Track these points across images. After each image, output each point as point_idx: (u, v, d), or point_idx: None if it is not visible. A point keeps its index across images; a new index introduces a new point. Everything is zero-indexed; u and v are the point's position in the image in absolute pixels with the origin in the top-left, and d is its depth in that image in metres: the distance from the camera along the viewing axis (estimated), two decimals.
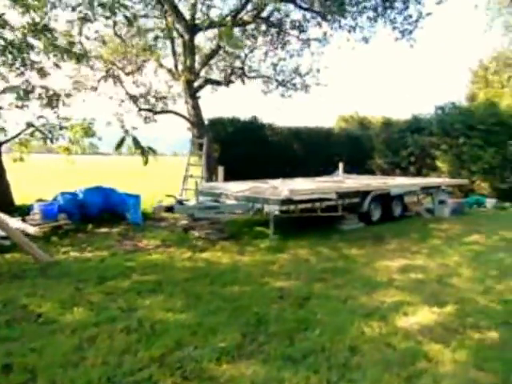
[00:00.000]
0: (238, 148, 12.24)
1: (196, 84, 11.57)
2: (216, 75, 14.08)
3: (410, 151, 14.12)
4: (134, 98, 11.00)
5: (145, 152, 4.11)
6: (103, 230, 8.04)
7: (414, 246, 6.91)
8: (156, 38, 9.42)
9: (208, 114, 13.02)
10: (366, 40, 11.94)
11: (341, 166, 12.56)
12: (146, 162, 3.86)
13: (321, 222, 8.42)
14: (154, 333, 3.51)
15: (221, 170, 9.66)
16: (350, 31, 11.37)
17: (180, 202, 7.36)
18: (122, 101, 11.00)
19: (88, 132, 8.72)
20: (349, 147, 15.99)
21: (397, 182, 9.99)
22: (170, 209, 6.98)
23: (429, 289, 4.79)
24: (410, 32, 10.42)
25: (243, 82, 13.79)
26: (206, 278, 5.04)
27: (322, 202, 7.64)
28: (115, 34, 11.22)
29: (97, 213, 8.73)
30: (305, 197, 7.14)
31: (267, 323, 3.78)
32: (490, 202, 11.83)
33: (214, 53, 10.98)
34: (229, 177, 11.66)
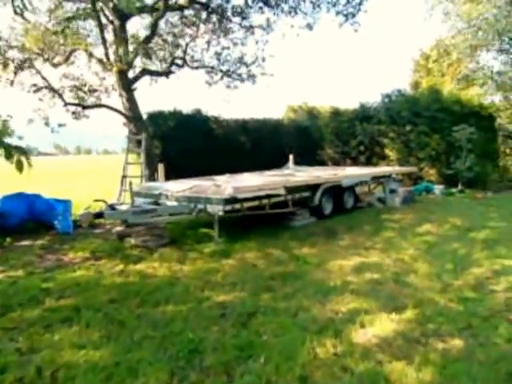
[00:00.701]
0: (182, 143, 11.43)
1: (131, 75, 10.59)
2: (156, 66, 13.11)
3: (359, 140, 14.00)
4: (57, 92, 9.81)
5: (11, 153, 3.29)
6: (24, 242, 7.00)
7: (367, 241, 6.55)
8: (69, 18, 8.28)
9: (148, 107, 12.09)
10: (310, 27, 11.51)
11: (291, 158, 12.14)
12: (19, 168, 3.06)
13: (270, 220, 7.89)
14: None
15: (161, 167, 8.85)
16: (292, 15, 10.84)
17: (111, 207, 6.51)
18: (44, 94, 9.77)
19: (3, 131, 7.53)
20: (298, 138, 15.66)
21: (348, 173, 9.68)
22: (99, 215, 6.12)
23: (386, 291, 4.38)
24: (354, 15, 10.07)
25: (184, 68, 12.93)
26: (136, 298, 4.31)
27: (270, 199, 7.09)
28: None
29: (18, 223, 7.65)
30: (251, 194, 6.56)
31: (203, 353, 3.15)
32: (438, 189, 11.92)
33: (146, 40, 10.03)
34: (172, 175, 10.85)
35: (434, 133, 12.24)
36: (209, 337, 3.41)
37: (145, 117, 11.10)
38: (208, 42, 13.96)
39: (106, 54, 9.87)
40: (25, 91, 9.63)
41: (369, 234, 7.05)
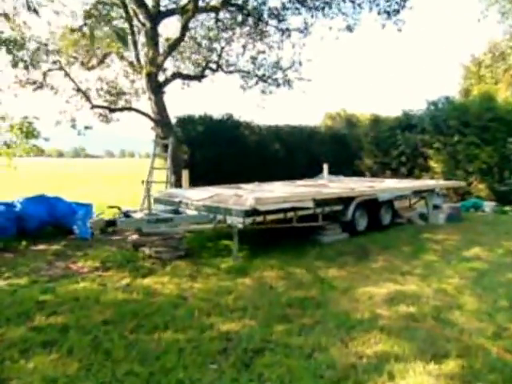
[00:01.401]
0: (211, 149, 11.06)
1: (162, 78, 10.38)
2: (189, 70, 12.91)
3: (400, 150, 13.04)
4: (84, 94, 9.73)
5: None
6: (40, 247, 6.81)
7: (404, 264, 5.76)
8: (105, 20, 8.13)
9: (179, 112, 11.85)
10: (349, 28, 10.84)
11: (325, 167, 11.43)
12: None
13: (297, 234, 7.27)
14: None
15: (185, 173, 8.48)
16: (331, 16, 10.23)
17: (126, 215, 6.16)
18: (70, 96, 9.72)
19: (29, 133, 7.46)
20: (335, 147, 14.90)
21: (386, 186, 8.86)
22: (111, 223, 5.77)
23: (423, 330, 3.64)
24: (397, 12, 9.27)
25: (219, 72, 12.64)
26: (133, 320, 3.84)
27: (296, 212, 6.48)
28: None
29: (38, 226, 7.51)
30: (274, 206, 5.97)
31: None
32: (489, 206, 10.77)
33: (176, 42, 9.76)
34: (200, 182, 10.50)
35: (485, 144, 11.11)
36: (202, 379, 2.86)
37: (174, 121, 10.84)
38: (244, 46, 13.63)
39: (137, 57, 9.71)
40: (54, 93, 9.61)
41: (406, 255, 6.25)
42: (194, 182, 10.78)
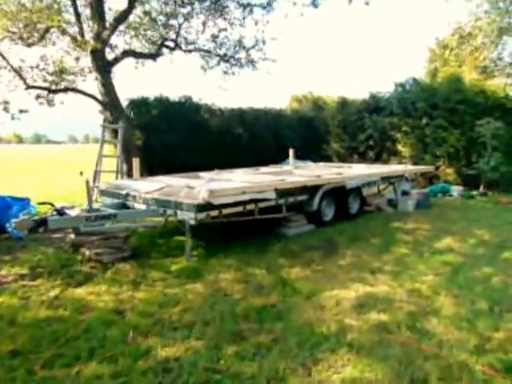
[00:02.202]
0: (169, 134, 10.20)
1: (111, 56, 9.36)
2: (144, 48, 11.84)
3: (368, 134, 12.64)
4: (18, 73, 8.57)
5: None
6: None
7: (374, 260, 5.27)
8: None
9: (134, 94, 10.84)
10: (315, 4, 10.16)
11: (291, 153, 10.82)
12: None
13: (260, 226, 6.67)
14: None
15: (136, 161, 7.65)
16: None
17: (59, 212, 5.33)
18: None
19: None
20: (302, 131, 14.35)
21: (353, 172, 8.38)
22: (42, 222, 4.93)
23: (398, 345, 3.12)
24: None
25: (177, 51, 11.70)
26: (50, 348, 3.12)
27: (257, 204, 5.84)
28: None
29: None
30: (231, 199, 5.31)
31: None
32: (457, 190, 10.58)
33: (123, 14, 8.76)
34: (157, 170, 9.69)
35: (453, 127, 10.84)
36: None
37: (126, 103, 9.89)
38: (203, 23, 12.69)
39: (81, 32, 8.65)
40: None
41: (376, 249, 5.77)
42: (151, 171, 9.96)
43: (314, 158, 13.73)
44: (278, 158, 12.85)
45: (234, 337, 3.31)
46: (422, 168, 9.87)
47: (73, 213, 5.41)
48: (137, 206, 6.10)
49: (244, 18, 12.31)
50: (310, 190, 6.79)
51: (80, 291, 4.30)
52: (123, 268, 5.03)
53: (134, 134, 9.65)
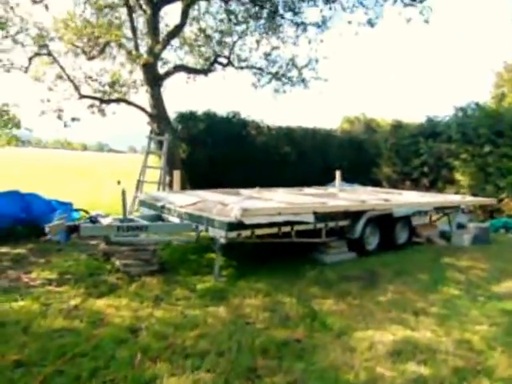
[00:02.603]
0: (214, 149, 10.18)
1: (163, 70, 9.58)
2: (198, 63, 12.07)
3: (423, 160, 11.86)
4: (73, 82, 8.97)
5: None
6: (2, 250, 6.06)
7: (419, 298, 4.71)
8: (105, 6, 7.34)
9: (183, 108, 11.01)
10: (370, 23, 9.82)
11: (338, 174, 10.37)
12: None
13: (296, 250, 6.31)
14: None
15: (177, 174, 7.62)
16: (351, 9, 9.22)
17: (92, 220, 5.34)
18: (55, 85, 8.96)
19: (8, 122, 6.74)
20: (352, 153, 13.84)
21: (403, 199, 7.79)
22: (74, 229, 4.95)
23: None
24: None
25: (229, 68, 11.82)
26: (56, 361, 2.97)
27: (293, 226, 5.50)
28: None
29: (8, 226, 6.77)
30: (265, 219, 5.02)
31: None
32: None
33: (176, 29, 8.94)
34: (200, 184, 9.65)
35: None
36: None
37: (174, 116, 10.03)
38: (257, 41, 12.76)
39: (136, 46, 8.93)
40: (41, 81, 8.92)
41: (423, 286, 5.18)
42: (194, 185, 9.96)
43: (363, 181, 13.14)
44: (325, 179, 12.42)
45: (247, 373, 2.98)
46: (482, 200, 8.99)
47: (105, 221, 5.40)
48: (171, 218, 5.99)
49: (297, 37, 12.26)
50: (353, 215, 6.33)
51: (100, 303, 4.18)
52: (149, 282, 4.88)
53: (180, 146, 9.73)
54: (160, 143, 8.72)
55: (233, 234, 4.88)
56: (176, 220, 5.86)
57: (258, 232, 5.13)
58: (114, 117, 10.94)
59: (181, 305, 4.26)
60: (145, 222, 5.48)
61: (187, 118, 10.30)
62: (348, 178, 13.09)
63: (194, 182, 9.74)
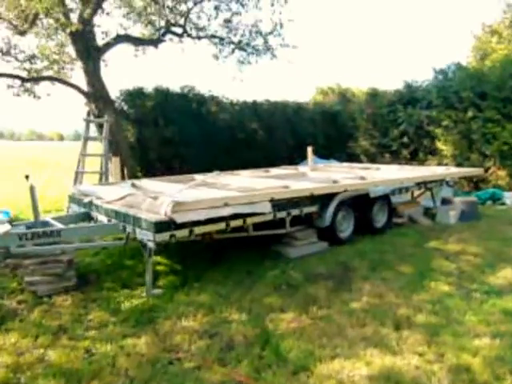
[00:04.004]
0: (167, 129, 8.97)
1: (102, 41, 8.25)
2: (149, 34, 10.66)
3: (402, 130, 10.90)
4: None
5: None
6: None
7: (401, 301, 3.77)
8: None
9: (132, 86, 9.70)
10: None
11: (310, 151, 9.34)
12: None
13: (258, 241, 5.31)
14: None
15: (115, 161, 6.45)
16: None
17: None
18: None
19: None
20: (326, 126, 12.81)
21: (381, 176, 6.83)
22: None
23: None
24: None
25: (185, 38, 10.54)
26: None
27: (245, 219, 4.45)
28: None
29: None
30: (205, 214, 3.95)
31: None
32: (510, 198, 8.71)
33: None
34: (152, 169, 8.52)
35: (507, 120, 8.97)
36: None
37: (117, 95, 8.76)
38: (216, 8, 11.39)
39: (66, 13, 7.54)
40: None
41: (406, 283, 4.24)
42: (146, 171, 8.80)
43: (339, 156, 12.19)
44: (298, 156, 11.44)
45: None
46: (468, 171, 8.09)
47: (2, 228, 4.25)
48: (100, 217, 4.88)
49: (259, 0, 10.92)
50: (322, 199, 5.32)
51: None
52: (60, 304, 3.81)
53: (127, 129, 8.52)
54: (101, 127, 7.49)
55: (163, 237, 3.80)
56: (104, 219, 4.75)
57: (199, 230, 4.06)
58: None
59: (90, 337, 3.21)
60: (60, 226, 4.35)
61: (134, 95, 9.00)
62: (323, 154, 12.12)
63: (146, 169, 8.59)
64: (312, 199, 5.17)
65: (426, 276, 4.40)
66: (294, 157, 11.59)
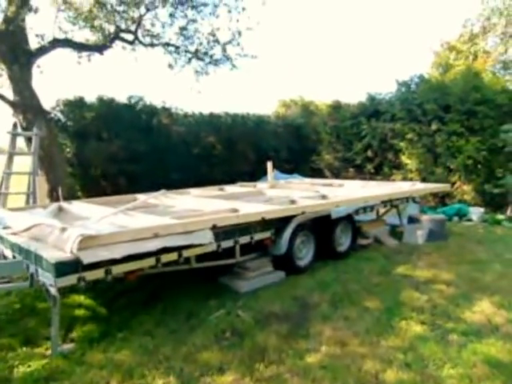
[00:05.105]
0: (111, 143, 8.08)
1: (36, 46, 7.35)
2: (97, 40, 9.81)
3: (366, 143, 10.51)
4: None
5: None
6: None
7: (366, 351, 3.11)
8: None
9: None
10: None
11: (269, 166, 8.68)
12: None
13: (203, 273, 4.56)
14: None
15: (41, 180, 5.56)
16: None
17: None
18: None
19: None
20: (289, 140, 12.28)
21: (344, 194, 6.26)
22: None
23: None
24: None
25: (137, 46, 9.82)
26: None
27: (181, 252, 3.69)
28: None
29: None
30: (124, 250, 3.16)
31: None
32: (476, 213, 8.39)
33: None
34: (94, 188, 7.61)
35: (471, 134, 8.72)
36: None
37: (51, 105, 7.84)
38: (171, 15, 10.75)
39: None
40: None
41: (371, 323, 3.59)
42: (88, 192, 7.87)
43: (303, 171, 11.67)
44: (260, 172, 10.83)
45: None
46: (434, 187, 7.67)
47: None
48: (6, 252, 3.98)
49: (216, 6, 10.38)
50: (276, 223, 4.64)
51: None
52: None
53: (63, 143, 7.60)
54: (29, 140, 6.55)
55: (68, 280, 2.98)
56: (10, 254, 3.86)
57: (119, 269, 3.26)
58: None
59: None
60: None
61: (74, 106, 8.08)
62: (286, 169, 11.58)
63: (88, 188, 7.67)
64: (265, 224, 4.48)
65: (394, 313, 3.78)
66: (256, 172, 10.98)
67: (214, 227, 3.87)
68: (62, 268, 2.92)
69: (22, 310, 4.00)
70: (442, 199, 9.54)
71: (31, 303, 4.13)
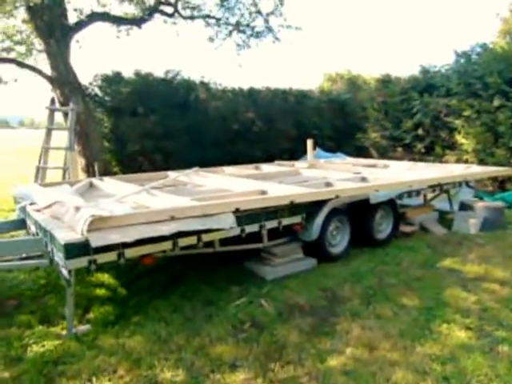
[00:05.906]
0: (148, 119, 7.99)
1: (73, 20, 7.31)
2: (135, 10, 9.64)
3: (416, 120, 9.68)
4: None
5: None
6: None
7: (398, 357, 2.75)
8: None
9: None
10: None
11: (309, 144, 8.29)
12: None
13: (228, 257, 4.36)
14: None
15: (71, 156, 5.55)
16: None
17: None
18: None
19: None
20: (334, 116, 11.69)
21: (387, 176, 5.74)
22: None
23: None
24: None
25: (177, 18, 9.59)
26: None
27: (200, 236, 3.46)
28: None
29: None
30: (137, 234, 2.98)
31: None
32: None
33: None
34: (131, 164, 7.62)
35: None
36: None
37: (90, 80, 7.83)
38: None
39: None
40: None
41: (407, 326, 3.20)
42: (124, 168, 7.88)
43: (348, 149, 11.08)
44: (301, 149, 10.40)
45: None
46: (493, 170, 6.88)
47: None
48: (32, 228, 3.99)
49: None
50: (307, 207, 4.29)
51: None
52: None
53: (100, 118, 7.60)
54: (67, 116, 6.58)
55: (78, 263, 2.86)
56: (33, 229, 3.86)
57: (133, 253, 3.10)
58: None
59: None
60: None
61: (111, 80, 8.04)
62: (330, 147, 11.04)
63: (124, 164, 7.69)
64: (294, 208, 4.14)
65: (435, 314, 3.36)
66: (297, 149, 10.56)
67: (236, 210, 3.60)
68: (72, 250, 2.80)
69: (46, 286, 4.01)
70: (501, 184, 8.62)
71: (55, 280, 4.13)
